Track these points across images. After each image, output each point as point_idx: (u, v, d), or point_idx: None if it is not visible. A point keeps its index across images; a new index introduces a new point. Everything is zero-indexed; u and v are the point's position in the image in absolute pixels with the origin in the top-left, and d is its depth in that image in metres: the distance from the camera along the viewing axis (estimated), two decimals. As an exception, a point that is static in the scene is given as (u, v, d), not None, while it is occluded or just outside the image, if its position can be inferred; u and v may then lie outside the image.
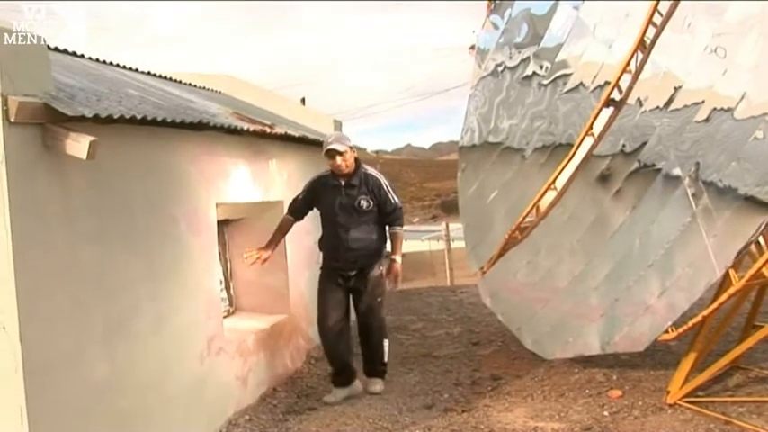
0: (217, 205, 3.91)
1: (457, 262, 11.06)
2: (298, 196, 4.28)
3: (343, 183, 4.05)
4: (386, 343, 4.32)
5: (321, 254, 4.32)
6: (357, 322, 4.29)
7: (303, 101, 13.22)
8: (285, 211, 4.39)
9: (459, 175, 5.74)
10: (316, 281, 4.47)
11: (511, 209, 5.00)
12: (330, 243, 4.17)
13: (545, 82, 5.03)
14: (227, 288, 4.94)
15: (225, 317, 4.44)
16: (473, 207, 5.51)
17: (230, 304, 4.96)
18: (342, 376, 4.19)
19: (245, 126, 4.21)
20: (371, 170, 4.24)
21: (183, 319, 3.48)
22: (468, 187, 5.58)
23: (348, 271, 4.12)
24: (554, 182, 4.58)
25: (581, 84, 4.70)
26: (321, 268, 4.28)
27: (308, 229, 4.55)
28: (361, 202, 4.03)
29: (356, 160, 4.10)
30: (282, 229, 4.28)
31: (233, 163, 4.18)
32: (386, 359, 4.30)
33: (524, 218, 4.76)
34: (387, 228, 4.19)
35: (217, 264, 4.03)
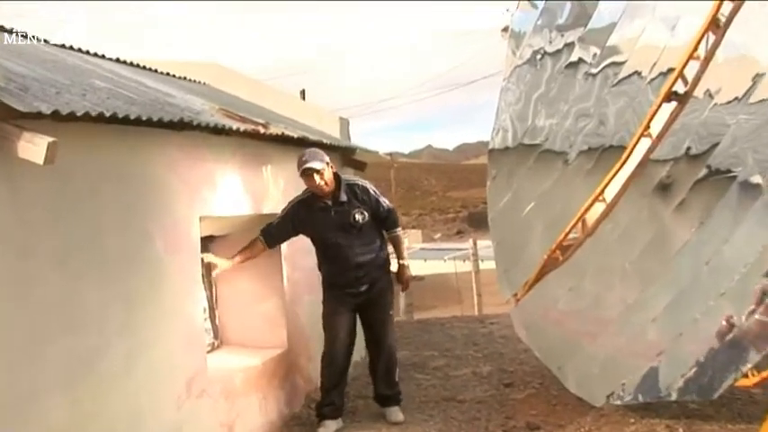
0: (200, 219, 3.90)
1: (486, 287, 11.01)
2: (273, 221, 4.40)
3: (330, 202, 4.26)
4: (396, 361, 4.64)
5: (323, 275, 4.50)
6: (367, 340, 4.54)
7: (303, 94, 13.30)
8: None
9: (489, 183, 5.73)
10: (317, 308, 4.52)
11: (551, 224, 4.99)
12: (334, 265, 4.38)
13: (593, 71, 5.00)
14: (212, 317, 4.92)
15: (208, 352, 4.41)
16: (505, 221, 5.50)
17: (215, 337, 4.94)
18: (338, 408, 4.47)
19: (235, 125, 4.20)
20: (351, 178, 4.52)
21: (159, 354, 3.44)
22: (500, 197, 5.57)
23: (359, 288, 4.36)
24: (603, 192, 4.55)
25: (636, 73, 4.67)
26: (326, 290, 4.47)
27: (308, 248, 4.54)
28: (356, 216, 4.26)
29: (336, 174, 4.31)
30: (251, 252, 4.39)
31: (220, 169, 4.16)
32: (397, 378, 4.63)
33: (567, 235, 4.74)
34: (385, 234, 4.48)
35: (200, 288, 4.01)
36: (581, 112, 5.10)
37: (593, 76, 5.00)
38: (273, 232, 4.36)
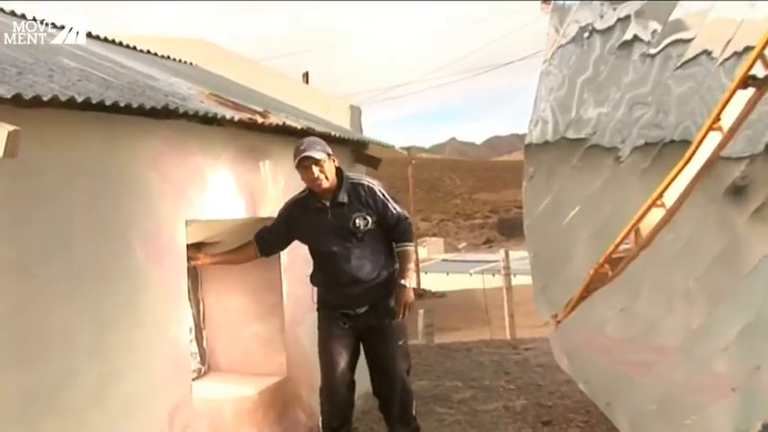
0: (187, 223, 3.91)
1: (520, 306, 10.98)
2: (270, 225, 4.42)
3: (327, 203, 4.21)
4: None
5: (316, 291, 4.44)
6: (373, 377, 4.40)
7: (306, 77, 13.35)
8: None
9: (526, 183, 5.70)
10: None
11: (598, 232, 4.96)
12: (329, 278, 4.32)
13: (652, 51, 4.96)
14: (199, 339, 4.94)
15: (195, 379, 4.44)
16: (544, 229, 5.47)
17: (202, 362, 4.96)
18: None
19: (228, 113, 4.21)
20: (358, 176, 4.45)
21: (136, 381, 3.44)
22: (538, 201, 5.54)
23: (357, 308, 4.26)
24: (662, 195, 4.50)
25: (705, 53, 4.62)
26: (319, 309, 4.41)
27: (305, 253, 4.54)
28: (357, 221, 4.19)
29: (338, 171, 4.28)
30: (239, 256, 4.42)
31: (210, 165, 4.17)
32: (414, 412, 4.48)
33: (618, 246, 4.70)
34: (393, 245, 4.37)
35: (185, 304, 4.01)
36: (636, 99, 5.05)
37: (652, 56, 4.96)
38: (266, 236, 4.36)
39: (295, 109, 6.57)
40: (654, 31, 4.98)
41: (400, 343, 4.33)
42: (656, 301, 4.45)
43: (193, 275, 4.65)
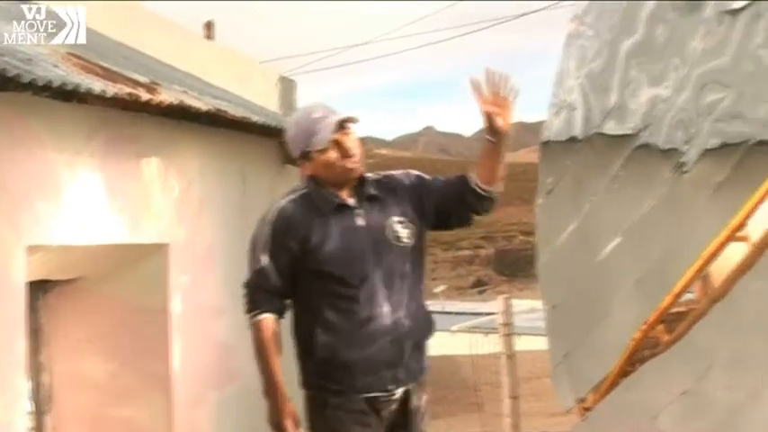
0: (29, 250, 3.91)
1: (528, 383, 11.05)
2: (261, 266, 3.71)
3: (350, 200, 3.76)
4: None
5: (305, 359, 3.79)
6: None
7: (210, 29, 13.42)
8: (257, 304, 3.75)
9: (542, 200, 5.76)
10: (233, 413, 4.47)
11: (649, 275, 4.99)
12: (354, 332, 3.69)
13: (734, 6, 5.02)
14: (40, 430, 4.89)
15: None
16: (568, 268, 5.50)
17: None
18: None
19: (96, 86, 4.21)
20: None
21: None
22: (560, 226, 5.59)
23: (394, 387, 3.73)
24: (744, 223, 4.54)
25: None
26: (316, 392, 3.77)
27: (214, 299, 4.50)
28: (397, 228, 3.74)
29: None
30: (276, 348, 3.66)
31: (66, 162, 4.18)
32: None
33: (678, 296, 4.73)
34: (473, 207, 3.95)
35: (20, 376, 3.98)
36: (709, 77, 5.10)
37: (734, 14, 5.02)
38: (278, 284, 3.70)
39: (197, 81, 6.57)
40: (738, -23, 5.07)
41: None
42: (734, 380, 4.49)
43: (33, 330, 4.57)
